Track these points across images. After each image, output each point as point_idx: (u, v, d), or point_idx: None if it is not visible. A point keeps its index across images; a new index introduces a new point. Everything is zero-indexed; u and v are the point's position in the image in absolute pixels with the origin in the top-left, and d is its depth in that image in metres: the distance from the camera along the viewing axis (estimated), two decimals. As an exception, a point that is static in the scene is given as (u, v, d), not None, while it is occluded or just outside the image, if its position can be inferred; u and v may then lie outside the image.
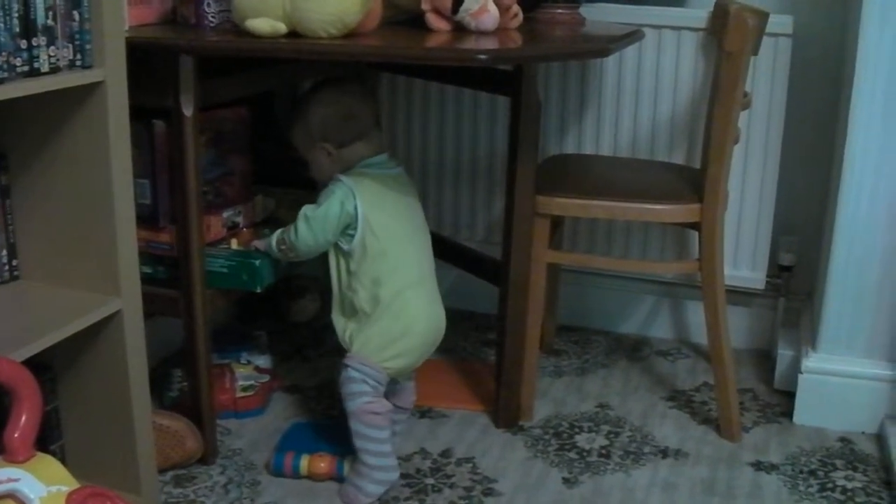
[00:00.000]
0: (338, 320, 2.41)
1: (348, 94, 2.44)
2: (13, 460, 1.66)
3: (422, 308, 2.38)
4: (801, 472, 2.50)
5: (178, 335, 2.43)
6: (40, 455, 1.70)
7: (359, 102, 2.43)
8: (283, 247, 2.40)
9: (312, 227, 2.33)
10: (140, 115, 2.22)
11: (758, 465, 2.53)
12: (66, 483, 1.68)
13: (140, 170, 2.31)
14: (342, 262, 2.37)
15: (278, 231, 2.42)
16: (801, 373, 2.72)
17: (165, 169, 2.33)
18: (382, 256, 2.33)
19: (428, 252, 2.45)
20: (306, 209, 2.35)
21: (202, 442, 2.42)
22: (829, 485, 2.45)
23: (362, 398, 2.32)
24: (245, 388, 2.68)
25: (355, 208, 2.31)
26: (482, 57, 2.18)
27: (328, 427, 2.57)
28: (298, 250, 2.37)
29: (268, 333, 2.91)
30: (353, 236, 2.32)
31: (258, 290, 2.43)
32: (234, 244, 2.49)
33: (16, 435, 1.67)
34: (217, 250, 2.44)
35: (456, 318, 3.23)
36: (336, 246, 2.36)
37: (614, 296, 3.29)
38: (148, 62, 2.12)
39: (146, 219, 2.34)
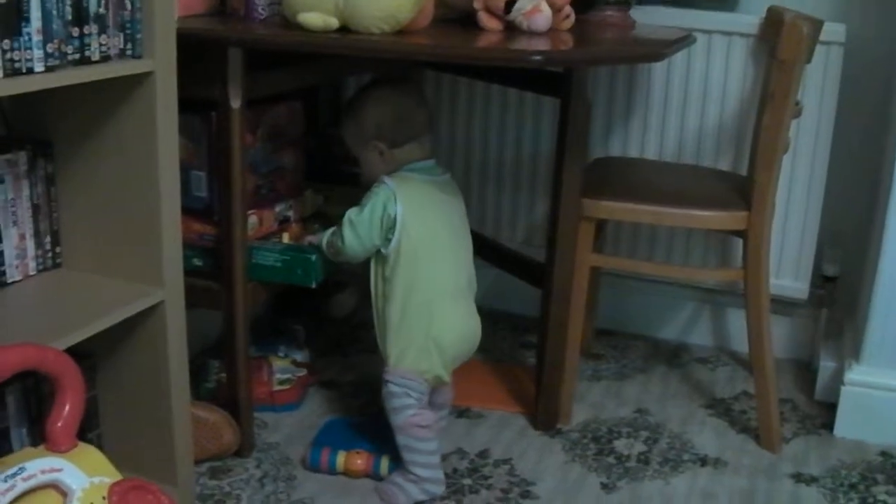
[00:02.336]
0: (378, 332, 2.39)
1: (405, 95, 2.42)
2: (56, 450, 1.65)
3: (450, 320, 2.35)
4: (842, 485, 2.47)
5: (216, 326, 2.43)
6: (83, 445, 1.69)
7: (415, 104, 2.42)
8: (331, 250, 2.38)
9: (358, 231, 2.31)
10: (197, 107, 2.22)
11: (798, 477, 2.50)
12: (108, 474, 1.67)
13: (197, 162, 2.31)
14: (380, 269, 2.36)
15: (328, 232, 2.40)
16: (844, 385, 2.69)
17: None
18: (416, 264, 2.31)
19: (466, 263, 2.43)
20: (350, 213, 2.33)
21: (239, 434, 2.42)
22: (870, 499, 2.42)
23: (407, 411, 2.31)
24: (282, 382, 2.68)
25: (396, 211, 2.30)
26: (537, 58, 2.15)
27: (365, 424, 2.55)
28: (346, 255, 2.35)
29: (305, 328, 2.90)
30: (391, 240, 2.31)
31: (313, 286, 2.41)
32: (285, 238, 2.48)
33: (59, 424, 1.66)
34: (270, 244, 2.43)
35: (494, 319, 3.24)
36: (377, 252, 2.35)
37: (654, 301, 3.27)
38: (196, 53, 2.11)
39: (202, 211, 2.34)
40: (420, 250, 2.31)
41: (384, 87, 2.42)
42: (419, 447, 2.31)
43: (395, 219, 2.29)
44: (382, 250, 2.32)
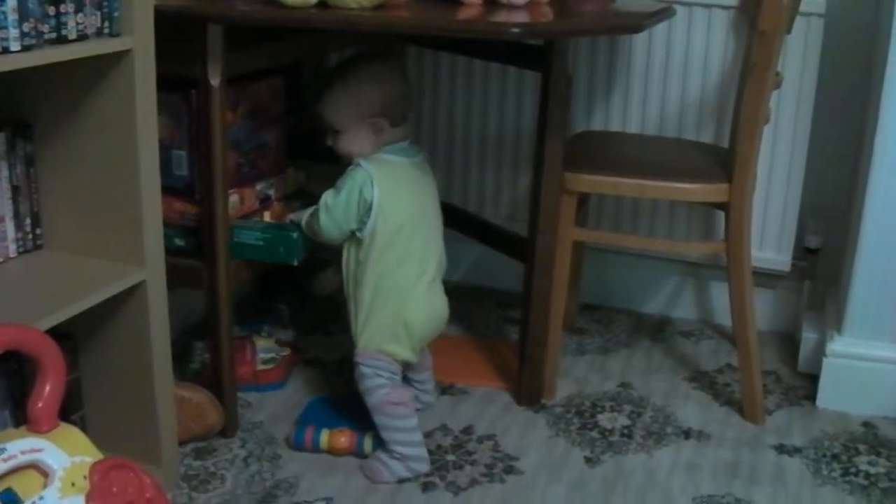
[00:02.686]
0: (349, 314, 2.39)
1: (401, 74, 2.42)
2: (37, 430, 1.65)
3: (420, 303, 2.35)
4: (825, 455, 2.48)
5: (200, 307, 2.42)
6: (64, 425, 1.69)
7: (407, 84, 2.41)
8: (310, 231, 2.37)
9: (334, 215, 2.30)
10: (177, 85, 2.20)
11: (781, 449, 2.51)
12: (89, 454, 1.67)
13: (177, 141, 2.29)
14: (353, 252, 2.35)
15: (307, 213, 2.38)
16: (826, 356, 2.69)
17: (204, 140, 2.31)
18: (390, 247, 2.30)
19: (438, 244, 2.42)
20: (326, 197, 2.32)
21: (223, 414, 2.41)
22: (853, 469, 2.43)
23: (380, 391, 2.32)
24: (266, 361, 2.68)
25: (372, 195, 2.28)
26: (516, 30, 2.15)
27: (349, 402, 2.54)
28: (324, 237, 2.35)
29: (289, 307, 2.90)
30: (366, 223, 2.30)
31: (295, 264, 2.41)
32: (266, 216, 2.47)
33: (39, 405, 1.66)
34: (252, 223, 2.42)
35: (478, 294, 3.24)
36: (352, 234, 2.34)
37: (637, 275, 3.27)
38: (175, 31, 2.10)
39: (183, 190, 2.32)
40: (395, 234, 2.30)
41: (380, 64, 2.39)
42: (397, 425, 2.31)
43: (370, 203, 2.28)
44: (357, 233, 2.32)
